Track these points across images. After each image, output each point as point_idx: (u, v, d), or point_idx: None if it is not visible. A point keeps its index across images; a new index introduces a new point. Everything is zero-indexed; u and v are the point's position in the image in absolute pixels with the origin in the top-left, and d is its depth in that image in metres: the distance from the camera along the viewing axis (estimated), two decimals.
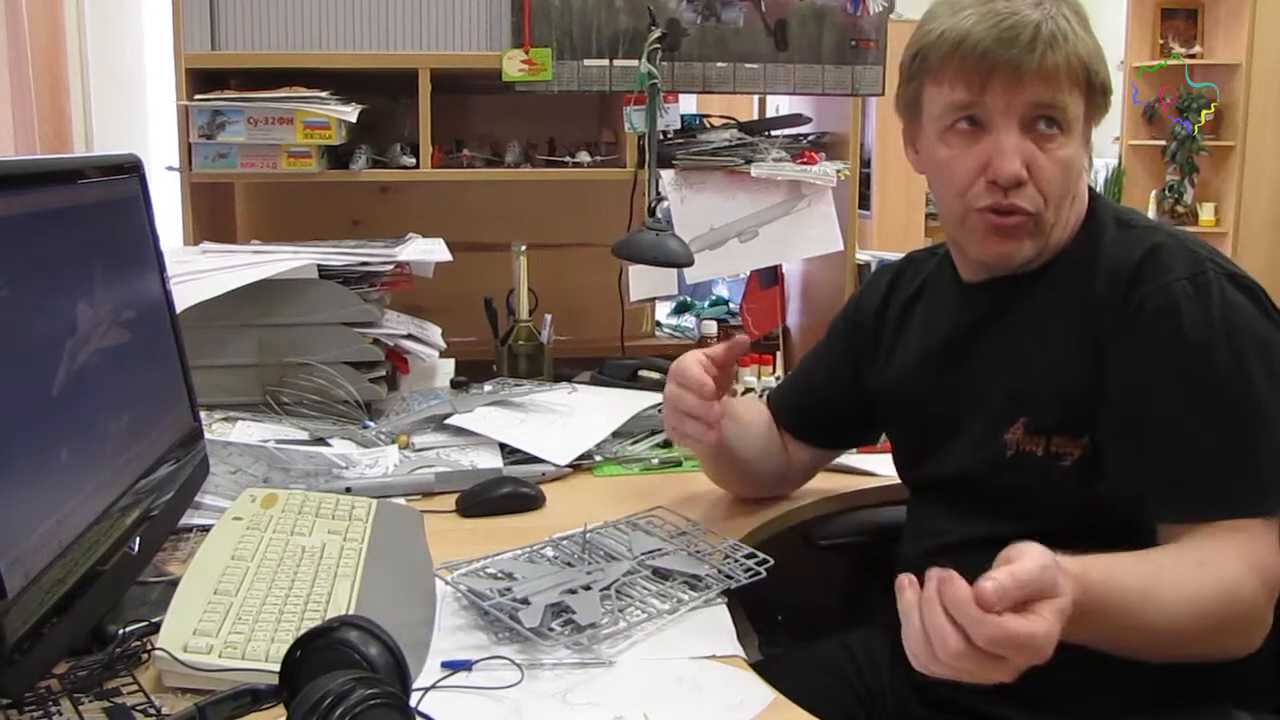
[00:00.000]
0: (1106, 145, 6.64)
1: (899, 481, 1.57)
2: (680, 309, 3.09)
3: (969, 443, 1.36)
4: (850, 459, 1.79)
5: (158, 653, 1.09)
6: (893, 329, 1.51)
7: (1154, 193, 6.42)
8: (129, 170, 1.36)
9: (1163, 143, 6.32)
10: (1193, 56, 6.26)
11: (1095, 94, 1.29)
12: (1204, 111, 6.15)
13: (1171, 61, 6.28)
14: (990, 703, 1.31)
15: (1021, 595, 0.93)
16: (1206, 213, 6.26)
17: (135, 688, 1.09)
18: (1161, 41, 6.38)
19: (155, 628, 1.15)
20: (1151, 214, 6.34)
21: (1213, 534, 1.16)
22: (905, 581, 0.96)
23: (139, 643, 1.16)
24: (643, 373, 2.21)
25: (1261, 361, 1.21)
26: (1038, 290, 1.34)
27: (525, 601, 1.23)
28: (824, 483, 1.74)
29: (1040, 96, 1.25)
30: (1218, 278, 1.23)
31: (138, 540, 1.19)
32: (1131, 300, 1.24)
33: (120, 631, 1.16)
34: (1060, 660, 1.19)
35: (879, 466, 1.78)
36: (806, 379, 1.67)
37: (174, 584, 1.22)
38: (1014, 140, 1.26)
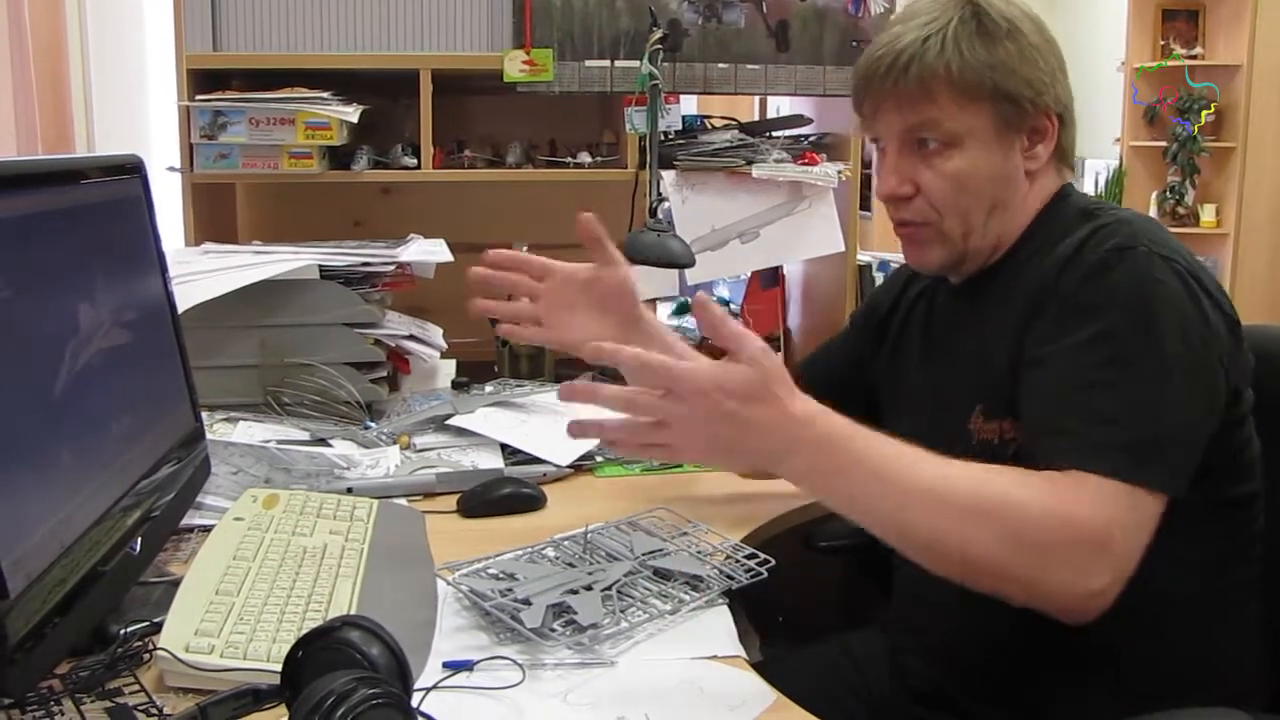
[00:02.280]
0: (1107, 146, 6.64)
1: None
2: (681, 310, 3.09)
3: (944, 434, 1.37)
4: None
5: (159, 653, 1.09)
6: (899, 325, 1.54)
7: (1155, 194, 6.41)
8: (131, 171, 1.36)
9: (1164, 144, 6.31)
10: (1194, 57, 6.26)
11: (1000, 102, 1.30)
12: (1204, 112, 6.14)
13: (1172, 62, 6.27)
14: (986, 703, 1.32)
15: (718, 327, 1.12)
16: (1208, 214, 6.25)
17: (137, 688, 1.09)
18: (1163, 43, 6.37)
19: (157, 628, 1.15)
20: (1153, 215, 6.34)
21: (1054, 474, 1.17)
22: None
23: (141, 643, 1.16)
24: None
25: (1175, 338, 1.18)
26: (1001, 286, 1.36)
27: (526, 602, 1.23)
28: None
29: (907, 119, 1.33)
30: (1147, 255, 1.21)
31: (139, 541, 1.19)
32: (1061, 280, 1.24)
33: (122, 632, 1.16)
34: (1054, 662, 1.20)
35: None
36: (822, 362, 1.68)
37: (175, 584, 1.22)
38: (893, 160, 1.35)
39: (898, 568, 1.49)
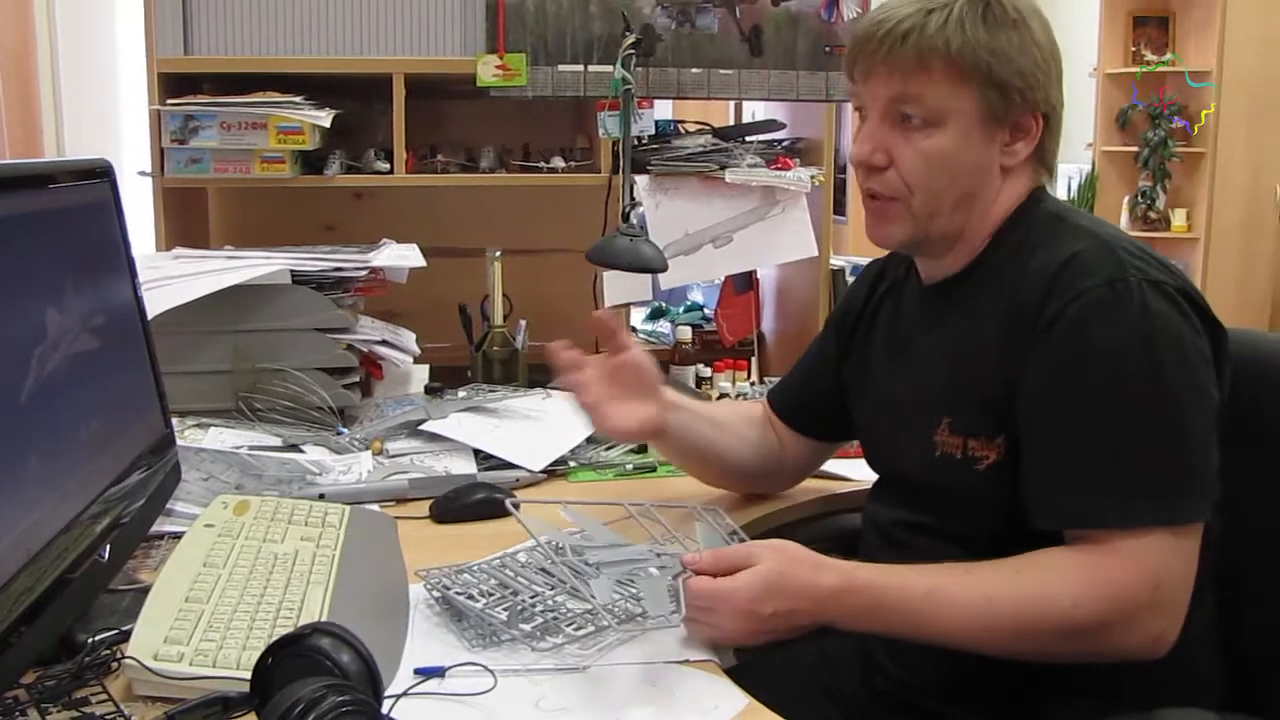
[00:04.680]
0: (1079, 151, 6.68)
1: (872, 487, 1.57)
2: (655, 315, 3.10)
3: (908, 439, 1.39)
4: (828, 464, 1.79)
5: (128, 661, 1.08)
6: (868, 324, 1.54)
7: (1127, 198, 6.45)
8: (99, 175, 1.35)
9: (1135, 149, 6.36)
10: (1164, 64, 6.31)
11: (990, 89, 1.29)
12: (1174, 117, 6.20)
13: (1143, 68, 6.33)
14: (955, 706, 1.33)
15: (718, 564, 1.21)
16: (1179, 218, 6.30)
17: (104, 697, 1.08)
18: (1133, 49, 6.42)
19: (125, 636, 1.14)
20: (1124, 219, 6.39)
21: (1077, 542, 1.21)
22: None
23: (109, 651, 1.15)
24: None
25: (1180, 367, 1.20)
26: (973, 293, 1.36)
27: (519, 606, 1.23)
28: (799, 488, 1.74)
29: (895, 88, 1.32)
30: (1139, 284, 1.21)
31: (108, 548, 1.18)
32: (1049, 307, 1.24)
33: (90, 640, 1.15)
34: (1021, 665, 1.21)
35: (854, 471, 1.78)
36: (802, 373, 1.69)
37: (145, 592, 1.21)
38: (872, 128, 1.34)
39: (860, 560, 1.50)
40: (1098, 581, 1.17)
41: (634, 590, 1.26)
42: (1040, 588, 1.19)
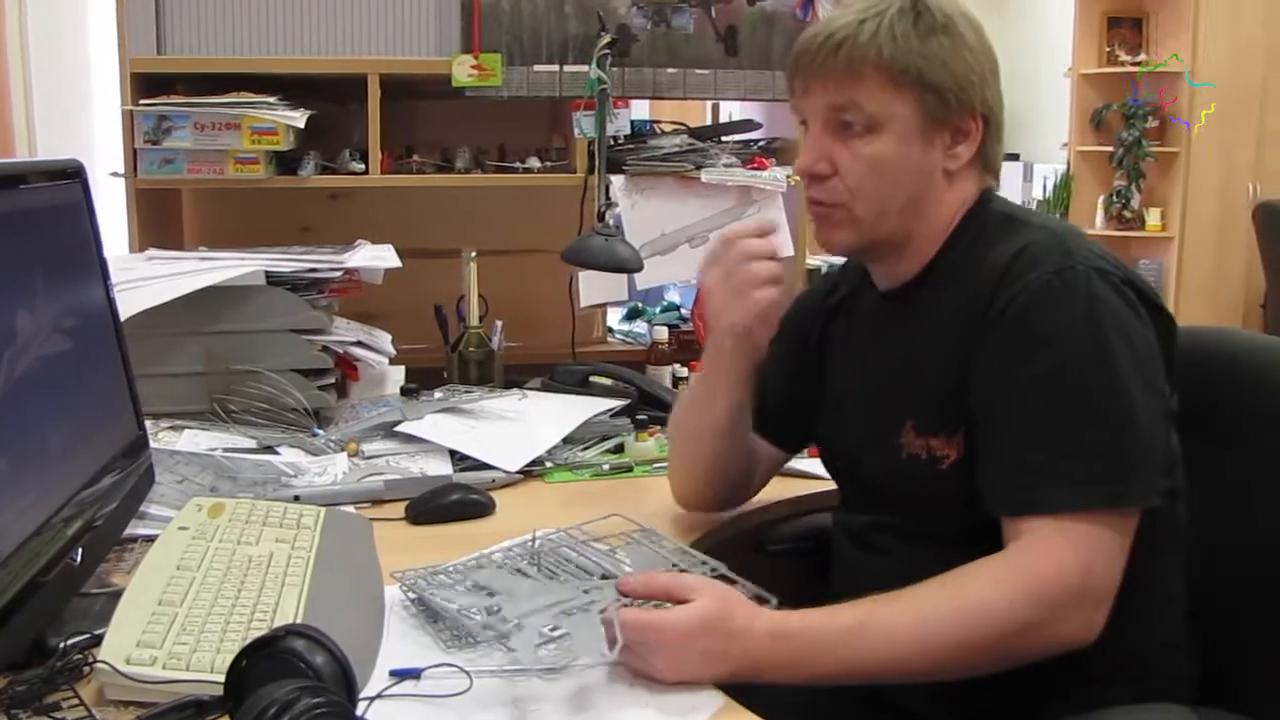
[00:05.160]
0: (1054, 151, 6.72)
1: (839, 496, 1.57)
2: (631, 315, 3.09)
3: (872, 444, 1.39)
4: (800, 463, 1.79)
5: (100, 665, 1.07)
6: (823, 329, 1.54)
7: (1101, 198, 6.50)
8: (71, 175, 1.34)
9: (1110, 149, 6.41)
10: (1138, 64, 6.36)
11: (925, 93, 1.31)
12: (1149, 117, 6.25)
13: (1117, 68, 6.37)
14: (925, 700, 1.33)
15: (650, 586, 1.18)
16: (1153, 218, 6.35)
17: (76, 702, 1.07)
18: (1108, 49, 6.47)
19: (98, 640, 1.12)
20: (1099, 219, 6.44)
21: (1010, 541, 1.21)
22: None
23: (81, 655, 1.14)
24: (593, 379, 2.21)
25: (1124, 351, 1.21)
26: (930, 296, 1.37)
27: (494, 607, 1.21)
28: (773, 488, 1.74)
29: (833, 98, 1.34)
30: (1085, 271, 1.23)
31: (80, 551, 1.17)
32: (999, 298, 1.25)
33: (62, 644, 1.14)
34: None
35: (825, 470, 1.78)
36: (766, 382, 1.66)
37: (118, 595, 1.20)
38: (814, 138, 1.36)
39: (835, 568, 1.51)
40: (1029, 574, 1.17)
41: (561, 632, 1.19)
42: (973, 593, 1.18)
